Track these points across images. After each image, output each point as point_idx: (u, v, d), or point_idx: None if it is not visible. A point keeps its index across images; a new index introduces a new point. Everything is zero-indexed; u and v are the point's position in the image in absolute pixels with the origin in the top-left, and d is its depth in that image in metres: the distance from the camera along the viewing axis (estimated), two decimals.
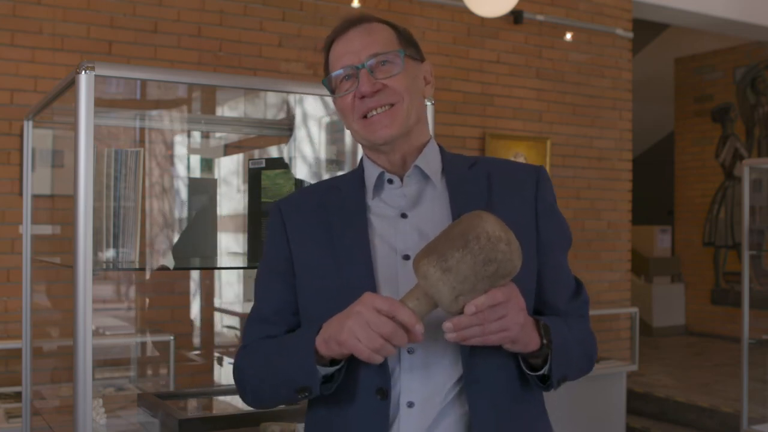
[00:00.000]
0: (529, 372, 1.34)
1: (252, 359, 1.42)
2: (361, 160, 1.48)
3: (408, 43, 1.43)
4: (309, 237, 1.42)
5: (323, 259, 1.38)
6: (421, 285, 1.20)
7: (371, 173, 1.43)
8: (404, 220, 1.39)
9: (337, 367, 1.29)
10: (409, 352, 1.31)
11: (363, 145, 1.45)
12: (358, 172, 1.47)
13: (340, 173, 2.57)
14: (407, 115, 1.38)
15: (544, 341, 1.30)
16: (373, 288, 1.32)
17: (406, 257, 1.35)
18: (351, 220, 1.39)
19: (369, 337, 1.19)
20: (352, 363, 1.31)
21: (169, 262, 2.17)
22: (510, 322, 1.22)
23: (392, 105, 1.37)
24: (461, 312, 1.19)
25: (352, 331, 1.20)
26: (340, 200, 1.43)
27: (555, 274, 1.42)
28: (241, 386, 1.45)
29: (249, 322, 1.48)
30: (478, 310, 1.18)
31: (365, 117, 1.38)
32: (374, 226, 1.39)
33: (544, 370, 1.32)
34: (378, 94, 1.36)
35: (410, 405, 1.30)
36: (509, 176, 1.44)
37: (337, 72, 1.39)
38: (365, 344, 1.19)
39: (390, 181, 1.42)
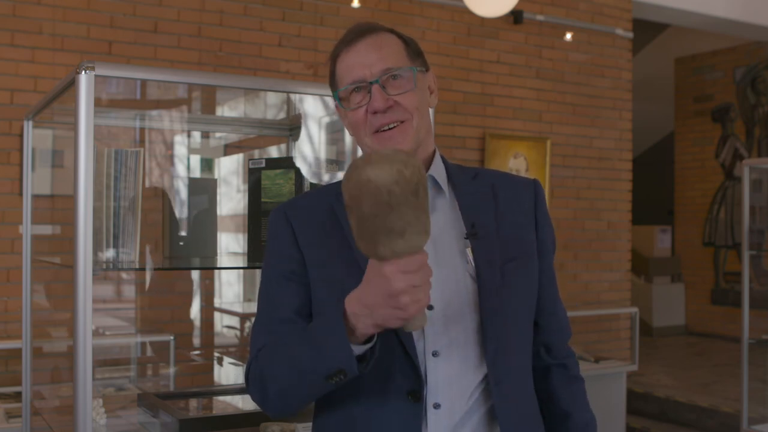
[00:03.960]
0: None
1: (273, 358, 1.35)
2: None
3: (416, 55, 1.44)
4: (322, 244, 1.40)
5: (340, 263, 1.37)
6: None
7: None
8: None
9: (370, 344, 1.25)
10: (433, 354, 1.33)
11: None
12: None
13: (340, 174, 2.56)
14: (417, 131, 1.40)
15: None
16: None
17: None
18: None
19: (426, 292, 1.16)
20: (381, 365, 1.29)
21: (169, 262, 2.17)
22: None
23: (402, 122, 1.38)
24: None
25: (414, 299, 1.15)
26: None
27: (548, 278, 1.51)
28: (262, 391, 1.38)
29: (261, 326, 1.42)
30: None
31: (377, 132, 1.39)
32: None
33: None
34: (390, 110, 1.37)
35: (437, 407, 1.32)
36: (510, 189, 1.50)
37: (347, 86, 1.39)
38: (426, 300, 1.17)
39: None
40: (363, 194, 1.13)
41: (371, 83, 1.36)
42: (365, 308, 1.20)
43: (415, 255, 1.16)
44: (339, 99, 1.42)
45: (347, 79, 1.39)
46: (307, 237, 1.41)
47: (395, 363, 1.31)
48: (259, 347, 1.39)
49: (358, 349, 1.25)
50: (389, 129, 1.38)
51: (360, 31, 1.41)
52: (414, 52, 1.44)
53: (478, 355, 1.34)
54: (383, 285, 1.16)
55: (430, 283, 1.18)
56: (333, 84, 1.45)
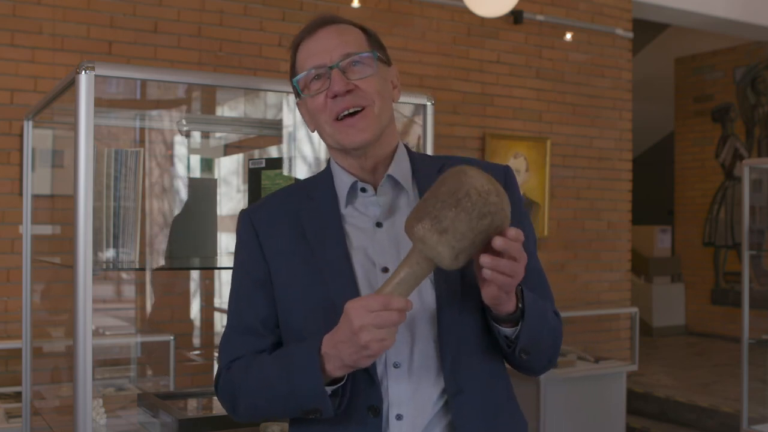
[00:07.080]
0: (497, 326, 1.31)
1: (246, 377, 1.36)
2: (328, 165, 1.46)
3: (378, 46, 1.42)
4: (286, 249, 1.38)
5: (304, 273, 1.36)
6: (419, 249, 1.20)
7: (343, 181, 1.41)
8: (380, 230, 1.37)
9: (340, 384, 1.27)
10: (395, 366, 1.31)
11: (332, 149, 1.42)
12: (327, 179, 1.44)
13: None
14: (379, 119, 1.37)
15: (520, 305, 1.28)
16: None
17: (385, 270, 1.34)
18: (328, 233, 1.37)
19: (390, 333, 1.18)
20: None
21: (167, 261, 2.17)
22: (519, 268, 1.21)
23: (363, 108, 1.35)
24: (461, 267, 1.20)
25: (375, 339, 1.17)
26: (314, 209, 1.40)
27: (530, 275, 1.38)
28: (231, 402, 1.40)
29: (232, 333, 1.42)
30: (518, 236, 1.18)
31: (338, 119, 1.36)
32: (351, 237, 1.37)
33: (513, 334, 1.30)
34: (350, 94, 1.34)
35: (399, 418, 1.31)
36: None
37: (307, 71, 1.38)
38: (391, 341, 1.19)
39: (363, 190, 1.40)
40: (450, 178, 1.20)
41: (331, 68, 1.35)
42: (334, 348, 1.22)
43: (383, 296, 1.18)
44: (299, 87, 1.40)
45: (307, 65, 1.38)
46: (271, 245, 1.40)
47: (355, 378, 1.29)
48: (231, 359, 1.41)
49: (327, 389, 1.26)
50: (350, 115, 1.35)
51: (322, 21, 1.41)
52: (375, 43, 1.42)
53: (438, 367, 1.32)
54: (347, 323, 1.19)
55: (395, 328, 1.18)
56: (293, 74, 1.43)
